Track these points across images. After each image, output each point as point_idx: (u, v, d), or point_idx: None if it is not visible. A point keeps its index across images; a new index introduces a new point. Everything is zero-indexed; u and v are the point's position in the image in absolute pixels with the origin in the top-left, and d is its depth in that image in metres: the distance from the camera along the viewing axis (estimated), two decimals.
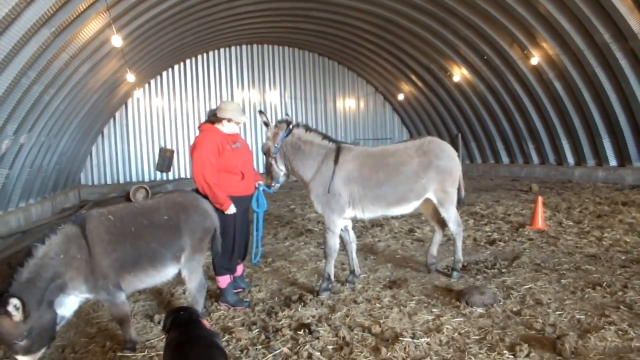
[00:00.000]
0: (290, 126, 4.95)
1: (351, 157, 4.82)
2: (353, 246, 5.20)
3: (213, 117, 4.61)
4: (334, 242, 4.83)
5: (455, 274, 5.17)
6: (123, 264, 3.52)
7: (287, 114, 5.49)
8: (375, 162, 4.86)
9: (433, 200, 5.04)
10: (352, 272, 5.19)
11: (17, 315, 3.05)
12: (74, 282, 3.37)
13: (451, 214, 5.11)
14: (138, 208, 3.82)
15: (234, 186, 4.54)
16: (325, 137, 4.99)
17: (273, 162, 4.99)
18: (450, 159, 5.06)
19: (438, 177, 4.92)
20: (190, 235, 3.79)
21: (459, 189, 5.19)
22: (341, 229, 5.00)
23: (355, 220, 5.30)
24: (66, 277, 3.33)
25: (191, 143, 4.84)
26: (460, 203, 5.30)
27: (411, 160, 4.88)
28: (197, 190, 4.49)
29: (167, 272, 3.79)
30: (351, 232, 5.22)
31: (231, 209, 4.44)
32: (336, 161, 4.77)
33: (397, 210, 5.06)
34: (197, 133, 4.71)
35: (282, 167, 5.03)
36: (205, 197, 4.30)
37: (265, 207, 5.16)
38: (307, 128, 5.01)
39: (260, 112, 5.01)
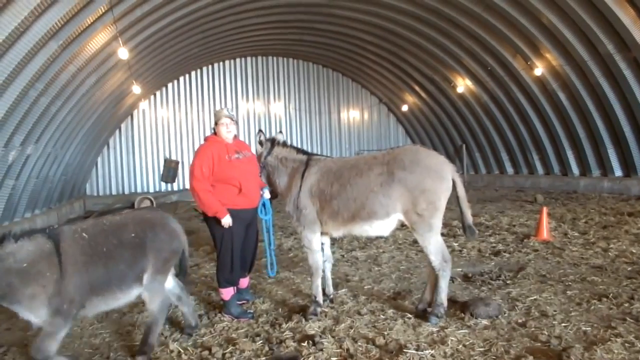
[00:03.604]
0: (273, 144, 4.85)
1: (315, 170, 4.50)
2: (327, 265, 4.85)
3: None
4: (314, 260, 4.56)
5: (433, 319, 4.14)
6: (93, 287, 3.31)
7: (280, 132, 5.41)
8: (333, 175, 4.38)
9: (406, 222, 4.22)
10: (323, 291, 4.78)
11: None
12: (34, 302, 3.07)
13: (430, 244, 4.13)
14: (108, 225, 3.57)
15: (231, 198, 4.45)
16: (300, 151, 4.81)
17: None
18: (426, 172, 4.07)
19: (406, 195, 4.06)
20: (155, 254, 3.59)
21: (463, 214, 4.28)
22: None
23: (332, 238, 4.82)
24: (24, 292, 3.03)
25: None
26: (467, 232, 4.33)
27: (368, 172, 4.20)
28: None
29: (132, 294, 3.60)
30: (327, 250, 4.83)
31: (226, 219, 4.36)
32: (303, 175, 4.53)
33: (358, 230, 4.37)
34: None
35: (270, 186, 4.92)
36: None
37: (270, 214, 4.98)
38: (285, 144, 4.86)
39: (260, 131, 4.96)
